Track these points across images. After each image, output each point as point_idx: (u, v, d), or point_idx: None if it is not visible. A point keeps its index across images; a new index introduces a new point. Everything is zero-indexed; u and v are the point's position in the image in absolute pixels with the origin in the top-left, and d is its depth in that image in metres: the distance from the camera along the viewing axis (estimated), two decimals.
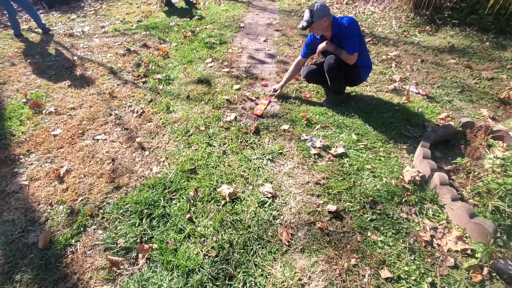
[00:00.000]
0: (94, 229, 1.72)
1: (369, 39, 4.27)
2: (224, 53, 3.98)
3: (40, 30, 4.92)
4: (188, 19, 5.38)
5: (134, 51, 4.10)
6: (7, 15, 4.60)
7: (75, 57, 3.95)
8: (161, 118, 2.66)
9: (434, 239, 1.59)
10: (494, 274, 1.44)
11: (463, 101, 2.85)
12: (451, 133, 2.24)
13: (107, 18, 5.70)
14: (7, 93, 3.16)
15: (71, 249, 1.62)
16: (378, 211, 1.74)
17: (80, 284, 1.46)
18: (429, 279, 1.40)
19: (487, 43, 4.01)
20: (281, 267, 1.47)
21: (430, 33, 4.45)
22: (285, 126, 2.48)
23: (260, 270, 1.47)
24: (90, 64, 3.79)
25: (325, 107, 2.72)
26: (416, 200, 1.79)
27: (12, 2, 4.46)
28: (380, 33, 4.54)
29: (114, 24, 5.29)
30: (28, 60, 3.83)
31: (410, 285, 1.39)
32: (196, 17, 5.40)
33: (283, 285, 1.39)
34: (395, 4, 5.25)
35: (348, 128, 2.45)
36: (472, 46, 3.97)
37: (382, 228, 1.65)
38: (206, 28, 4.91)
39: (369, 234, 1.62)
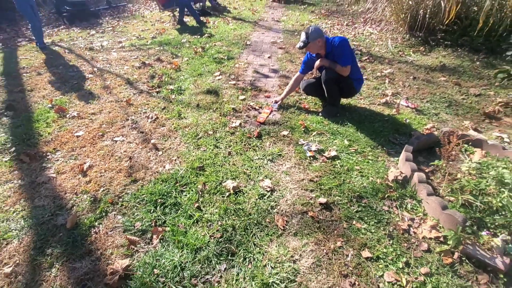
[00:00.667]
0: (114, 214, 1.97)
1: (366, 57, 4.59)
2: (231, 67, 4.32)
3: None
4: (198, 36, 5.80)
5: (149, 64, 4.46)
6: (30, 26, 5.03)
7: (95, 69, 4.32)
8: (173, 124, 2.95)
9: (411, 228, 1.81)
10: (463, 258, 1.64)
11: (449, 114, 3.09)
12: (434, 141, 2.49)
13: (124, 34, 6.15)
14: (35, 99, 3.50)
15: (94, 230, 1.86)
16: (363, 204, 1.97)
17: (102, 258, 1.69)
18: (404, 260, 1.61)
19: (478, 63, 4.26)
20: (276, 246, 1.70)
21: (424, 53, 4.76)
22: (285, 132, 2.74)
23: (258, 248, 1.69)
24: (109, 75, 4.15)
25: (321, 117, 2.99)
26: (397, 195, 2.02)
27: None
28: (377, 53, 4.86)
29: (130, 40, 5.72)
30: (53, 70, 4.21)
31: (387, 263, 1.60)
32: (206, 34, 5.83)
33: (277, 260, 1.62)
34: (392, 26, 5.63)
35: (341, 135, 2.70)
36: (463, 65, 4.23)
37: (366, 218, 1.87)
38: (215, 45, 5.30)
39: (354, 222, 1.85)
